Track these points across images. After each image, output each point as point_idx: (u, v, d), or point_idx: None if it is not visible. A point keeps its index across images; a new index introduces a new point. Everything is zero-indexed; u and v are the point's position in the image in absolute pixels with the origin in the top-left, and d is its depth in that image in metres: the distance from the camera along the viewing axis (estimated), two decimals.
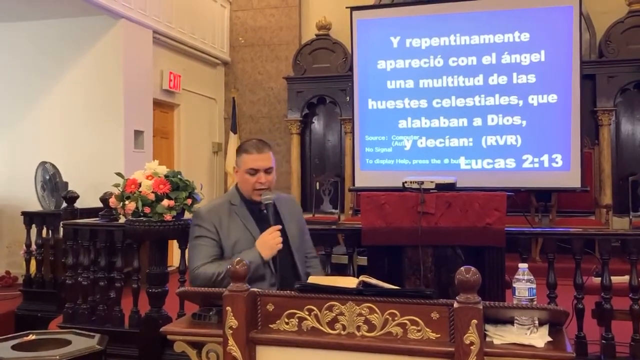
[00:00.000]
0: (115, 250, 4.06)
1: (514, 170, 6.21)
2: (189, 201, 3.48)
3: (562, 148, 6.06)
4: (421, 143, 6.52)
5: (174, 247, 4.77)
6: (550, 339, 1.79)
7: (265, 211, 2.50)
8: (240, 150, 2.59)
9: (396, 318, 1.84)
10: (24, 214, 5.30)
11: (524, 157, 6.19)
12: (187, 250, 2.97)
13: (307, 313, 1.92)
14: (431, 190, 3.00)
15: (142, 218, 3.42)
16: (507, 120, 6.27)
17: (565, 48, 6.07)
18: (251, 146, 2.55)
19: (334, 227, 5.08)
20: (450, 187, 3.06)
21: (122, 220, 3.85)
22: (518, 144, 6.22)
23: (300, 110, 7.67)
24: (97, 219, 4.25)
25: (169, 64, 7.08)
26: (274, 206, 2.56)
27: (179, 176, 3.50)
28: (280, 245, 2.43)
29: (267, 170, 2.53)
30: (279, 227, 2.47)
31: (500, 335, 1.80)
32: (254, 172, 2.51)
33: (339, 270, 3.89)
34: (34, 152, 5.96)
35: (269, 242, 2.43)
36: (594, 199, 6.62)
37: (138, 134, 6.23)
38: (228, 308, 1.92)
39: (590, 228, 5.50)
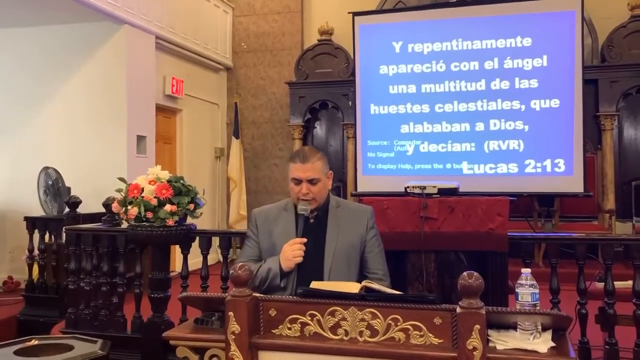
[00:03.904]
0: (117, 256, 4.06)
1: (516, 175, 6.21)
2: (192, 206, 3.49)
3: (565, 153, 6.06)
4: (423, 148, 6.53)
5: (176, 252, 4.77)
6: (553, 344, 1.78)
7: (312, 221, 2.49)
8: (289, 158, 2.59)
9: (399, 323, 1.84)
10: (27, 219, 5.29)
11: (527, 162, 6.20)
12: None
13: (309, 318, 1.92)
14: (434, 195, 3.00)
15: (144, 223, 3.43)
16: (510, 125, 6.27)
17: (567, 53, 6.09)
18: (297, 155, 2.51)
19: None
20: (453, 192, 3.05)
21: (124, 225, 3.86)
22: (520, 149, 6.23)
23: (302, 115, 7.67)
24: (100, 224, 4.25)
25: (172, 70, 7.10)
26: (322, 217, 2.51)
27: (181, 181, 3.51)
28: (299, 259, 2.38)
29: (312, 181, 2.45)
30: (304, 240, 2.41)
31: (503, 341, 1.80)
32: (297, 182, 2.47)
33: None
34: (37, 157, 5.97)
35: (286, 253, 2.40)
36: (597, 203, 6.61)
37: (141, 139, 6.23)
38: (230, 313, 1.92)
39: (593, 233, 5.49)
